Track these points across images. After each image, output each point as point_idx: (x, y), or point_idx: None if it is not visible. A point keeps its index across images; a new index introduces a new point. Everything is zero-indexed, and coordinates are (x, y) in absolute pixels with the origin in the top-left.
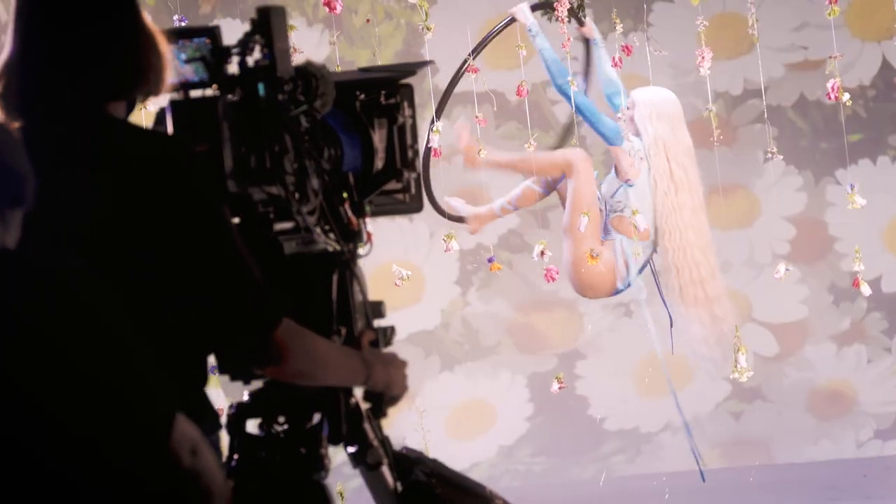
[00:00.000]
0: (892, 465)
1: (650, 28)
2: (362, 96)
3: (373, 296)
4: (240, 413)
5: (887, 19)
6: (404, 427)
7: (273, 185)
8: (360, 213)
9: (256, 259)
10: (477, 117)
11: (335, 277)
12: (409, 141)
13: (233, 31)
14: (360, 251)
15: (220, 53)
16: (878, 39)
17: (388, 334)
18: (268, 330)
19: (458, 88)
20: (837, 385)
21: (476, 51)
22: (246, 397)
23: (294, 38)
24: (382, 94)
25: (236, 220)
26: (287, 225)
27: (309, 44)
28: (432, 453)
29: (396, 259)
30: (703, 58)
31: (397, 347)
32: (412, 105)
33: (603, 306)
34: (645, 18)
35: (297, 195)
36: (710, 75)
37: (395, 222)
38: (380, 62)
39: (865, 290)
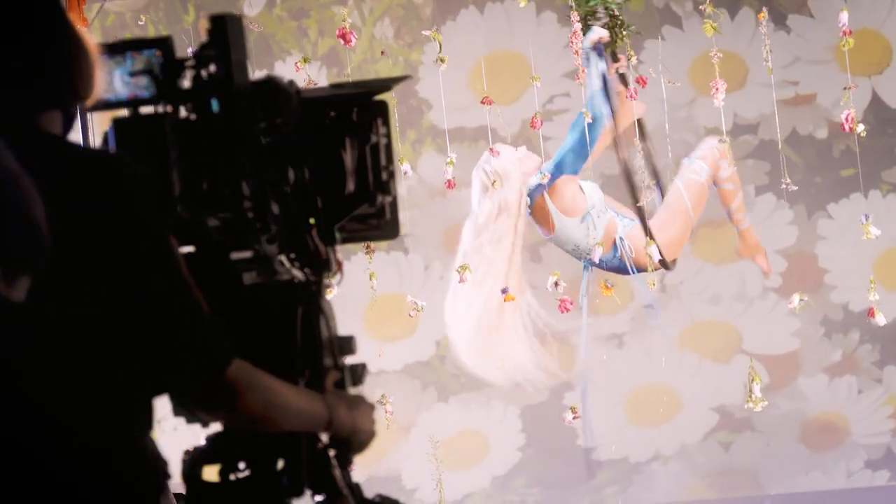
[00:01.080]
0: (883, 495)
1: (641, 65)
2: (332, 113)
3: (376, 327)
4: (196, 459)
5: (878, 54)
6: (417, 457)
7: (228, 210)
8: (329, 241)
9: (212, 292)
10: (491, 149)
11: (300, 311)
12: (383, 162)
13: None
14: (329, 282)
15: (171, 66)
16: (869, 74)
17: (357, 373)
18: (216, 371)
19: (467, 123)
20: (829, 416)
21: None
22: (203, 442)
23: (296, 76)
24: (355, 111)
25: (189, 248)
26: (246, 254)
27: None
28: (429, 483)
29: (390, 290)
30: (717, 89)
31: (392, 378)
32: (387, 123)
33: (595, 338)
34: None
35: (255, 221)
36: (702, 110)
37: (391, 255)
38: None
39: (881, 319)
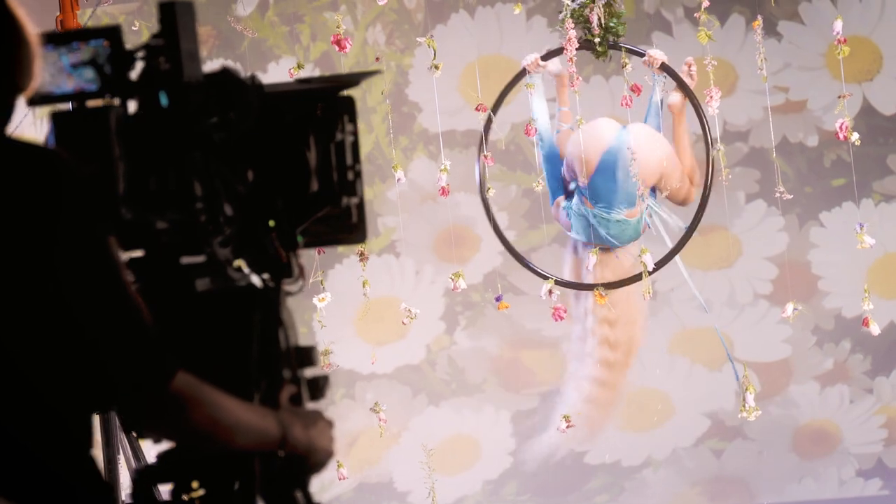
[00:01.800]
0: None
1: (631, 73)
2: (295, 109)
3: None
4: (146, 477)
5: (868, 61)
6: (409, 461)
7: (178, 211)
8: (290, 244)
9: (161, 299)
10: (486, 156)
11: (256, 319)
12: (349, 161)
13: None
14: (290, 288)
15: (120, 58)
16: (860, 81)
17: (318, 386)
18: (157, 386)
19: (457, 126)
20: (820, 424)
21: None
22: (154, 459)
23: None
24: (319, 107)
25: (138, 252)
26: (199, 258)
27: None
28: (422, 487)
29: (382, 295)
30: (710, 97)
31: (384, 383)
32: (354, 120)
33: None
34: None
35: (208, 223)
36: (690, 118)
37: (382, 258)
38: (368, 104)
39: (875, 329)
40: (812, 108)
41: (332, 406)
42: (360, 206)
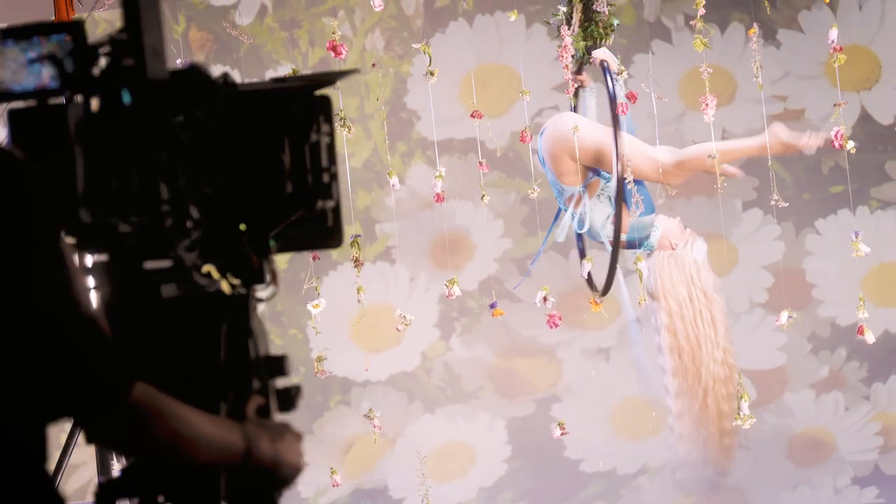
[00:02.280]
0: None
1: (630, 79)
2: (269, 109)
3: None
4: (109, 491)
5: (867, 70)
6: (405, 470)
7: (142, 213)
8: (262, 249)
9: (124, 306)
10: (481, 163)
11: (224, 328)
12: (324, 163)
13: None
14: (261, 295)
15: (82, 54)
16: (858, 90)
17: (290, 397)
18: (113, 397)
19: (456, 134)
20: (815, 432)
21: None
22: (117, 472)
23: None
24: (294, 106)
25: (103, 256)
26: (164, 263)
27: None
28: (416, 494)
29: (377, 302)
30: (706, 105)
31: (379, 389)
32: (330, 120)
33: (581, 351)
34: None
35: (174, 227)
36: (691, 125)
37: (377, 265)
38: (366, 110)
39: (870, 337)
40: (810, 117)
41: (328, 412)
42: (337, 210)
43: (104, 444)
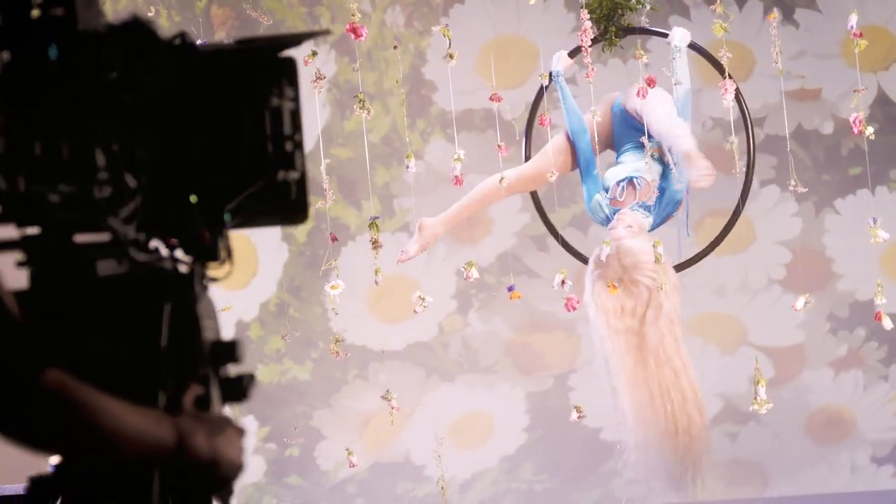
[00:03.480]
0: (891, 497)
1: (649, 54)
2: (230, 71)
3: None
4: (41, 490)
5: (884, 49)
6: (424, 440)
7: (72, 182)
8: (216, 224)
9: (55, 284)
10: (500, 146)
11: (167, 309)
12: (287, 130)
13: None
14: (215, 274)
15: (7, 5)
16: (875, 70)
17: (240, 386)
18: (21, 386)
19: (474, 105)
20: (834, 410)
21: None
22: (50, 468)
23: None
24: (255, 68)
25: (35, 229)
26: (102, 237)
27: (318, 62)
28: (436, 462)
29: (392, 273)
30: (725, 89)
31: (396, 363)
32: (295, 84)
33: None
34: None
35: (112, 197)
36: (709, 101)
37: (395, 237)
38: (385, 86)
39: (888, 323)
40: (827, 97)
41: (346, 386)
42: (302, 183)
43: (15, 439)
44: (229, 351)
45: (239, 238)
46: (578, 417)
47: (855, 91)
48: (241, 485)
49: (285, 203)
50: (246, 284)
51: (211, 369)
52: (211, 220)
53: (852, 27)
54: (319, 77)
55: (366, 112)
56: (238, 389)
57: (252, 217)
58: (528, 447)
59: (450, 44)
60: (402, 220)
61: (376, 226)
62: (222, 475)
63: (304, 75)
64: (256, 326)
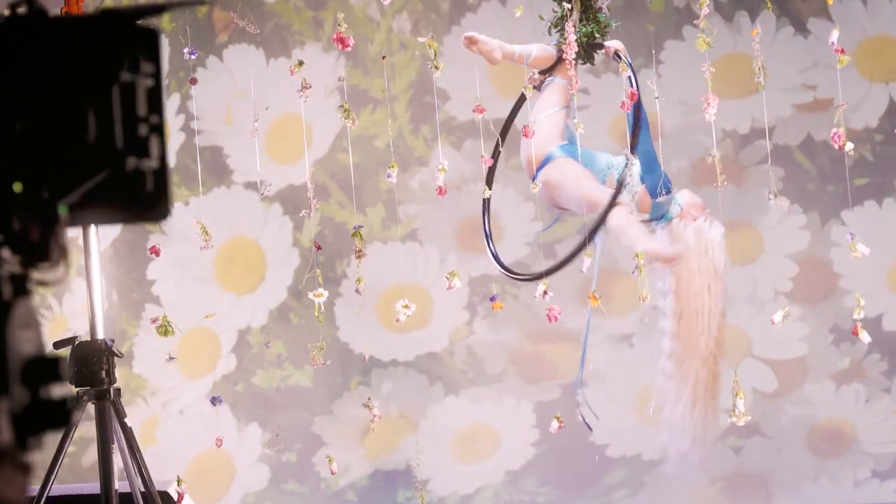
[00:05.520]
0: None
1: (661, 66)
2: (79, 42)
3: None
4: None
5: (895, 60)
6: (427, 452)
7: None
8: (47, 219)
9: None
10: (483, 156)
11: None
12: (142, 111)
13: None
14: (44, 277)
15: None
16: (886, 81)
17: (66, 409)
18: None
19: (490, 116)
20: (836, 423)
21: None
22: None
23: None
24: (106, 39)
25: None
26: None
27: (324, 68)
28: (438, 476)
29: (405, 282)
30: (708, 103)
31: (401, 371)
32: (156, 59)
33: (606, 338)
34: (655, 57)
35: None
36: (719, 113)
37: (406, 246)
38: (392, 91)
39: (865, 337)
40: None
41: (347, 392)
42: (161, 174)
43: None
44: (49, 368)
45: (247, 242)
46: (559, 428)
47: (837, 106)
48: (245, 492)
49: (141, 196)
50: (254, 289)
51: (27, 389)
52: (41, 213)
53: (833, 43)
54: (306, 86)
55: (351, 122)
56: (60, 413)
57: (97, 212)
58: (533, 461)
59: (434, 55)
60: (408, 226)
61: (360, 235)
62: None
63: (296, 81)
64: (256, 332)
